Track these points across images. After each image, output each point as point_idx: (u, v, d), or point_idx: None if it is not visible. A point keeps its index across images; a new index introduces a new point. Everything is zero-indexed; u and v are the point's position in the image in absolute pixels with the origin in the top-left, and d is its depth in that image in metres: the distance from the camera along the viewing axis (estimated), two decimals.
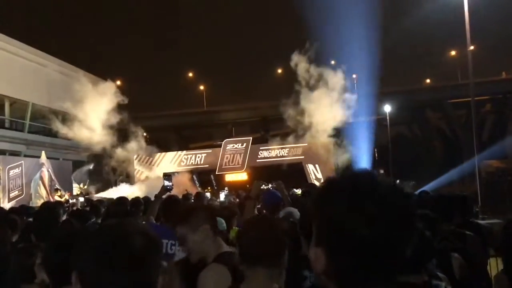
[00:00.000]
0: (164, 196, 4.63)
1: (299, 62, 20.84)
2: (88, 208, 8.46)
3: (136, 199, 7.61)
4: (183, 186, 16.18)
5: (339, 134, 21.80)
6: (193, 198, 7.62)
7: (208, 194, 14.85)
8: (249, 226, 2.17)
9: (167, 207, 4.22)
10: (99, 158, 31.23)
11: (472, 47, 17.32)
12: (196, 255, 2.38)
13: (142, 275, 1.03)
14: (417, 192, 7.14)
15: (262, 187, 6.29)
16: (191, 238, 2.37)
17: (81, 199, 15.74)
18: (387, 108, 38.19)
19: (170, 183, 5.17)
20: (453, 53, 49.80)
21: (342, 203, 0.91)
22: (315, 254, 0.95)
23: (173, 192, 6.75)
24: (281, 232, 2.06)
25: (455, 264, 2.99)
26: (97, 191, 22.27)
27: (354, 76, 51.71)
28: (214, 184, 29.51)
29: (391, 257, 0.91)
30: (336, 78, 20.60)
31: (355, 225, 0.89)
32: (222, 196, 16.72)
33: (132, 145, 23.04)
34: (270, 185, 8.78)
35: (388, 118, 38.43)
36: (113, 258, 1.01)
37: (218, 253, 2.37)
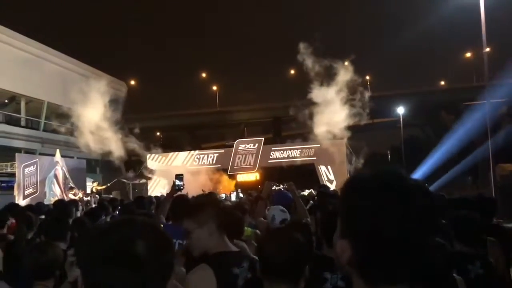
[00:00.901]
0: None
1: (312, 62, 20.75)
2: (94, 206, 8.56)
3: (148, 198, 7.69)
4: (199, 185, 16.28)
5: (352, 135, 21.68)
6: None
7: (223, 195, 14.97)
8: (269, 239, 2.13)
9: (176, 206, 4.23)
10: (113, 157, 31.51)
11: (488, 49, 17.10)
12: (198, 250, 2.37)
13: (147, 275, 0.99)
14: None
15: (273, 188, 6.28)
16: (196, 233, 2.36)
17: (97, 197, 15.87)
18: (401, 110, 37.89)
19: (181, 183, 5.17)
20: (468, 54, 49.25)
21: (374, 199, 0.93)
22: (341, 246, 0.97)
23: (190, 191, 6.79)
24: (302, 244, 2.04)
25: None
26: (109, 190, 22.46)
27: (367, 77, 51.64)
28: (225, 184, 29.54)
29: (415, 255, 0.93)
30: (349, 78, 20.49)
31: (384, 221, 0.91)
32: (233, 197, 16.76)
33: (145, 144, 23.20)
34: (281, 186, 8.77)
35: (401, 120, 38.12)
36: (115, 258, 0.98)
37: (214, 252, 2.32)
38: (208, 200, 2.61)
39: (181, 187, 5.06)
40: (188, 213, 2.45)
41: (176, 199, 4.47)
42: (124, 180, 24.75)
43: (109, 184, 21.81)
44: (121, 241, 1.00)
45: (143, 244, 1.00)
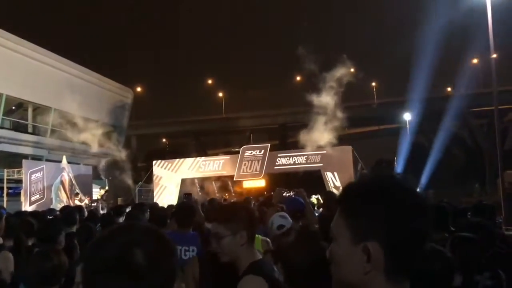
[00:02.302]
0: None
1: (317, 69, 20.74)
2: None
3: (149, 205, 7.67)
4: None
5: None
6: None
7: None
8: (294, 248, 2.12)
9: (181, 213, 4.24)
10: (119, 164, 31.65)
11: (495, 55, 17.01)
12: (227, 257, 2.31)
13: (147, 283, 0.95)
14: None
15: (284, 194, 6.23)
16: (227, 240, 2.30)
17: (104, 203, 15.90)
18: (407, 116, 37.77)
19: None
20: (475, 61, 49.07)
21: (404, 199, 1.02)
22: (373, 249, 1.01)
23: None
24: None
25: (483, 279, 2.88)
26: (115, 196, 22.51)
27: (373, 84, 51.60)
28: (232, 191, 29.53)
29: (423, 249, 1.05)
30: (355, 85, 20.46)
31: (413, 218, 1.01)
32: None
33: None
34: (291, 192, 8.73)
35: (408, 126, 37.99)
36: (113, 266, 0.93)
37: (252, 262, 2.26)
38: (245, 208, 2.56)
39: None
40: (222, 218, 2.40)
41: (181, 207, 4.45)
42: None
43: (107, 188, 21.77)
44: (119, 249, 0.96)
45: (143, 251, 0.96)
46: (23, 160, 19.72)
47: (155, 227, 1.10)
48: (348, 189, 1.09)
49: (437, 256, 2.16)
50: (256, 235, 4.36)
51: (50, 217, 6.08)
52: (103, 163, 30.49)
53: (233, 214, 2.40)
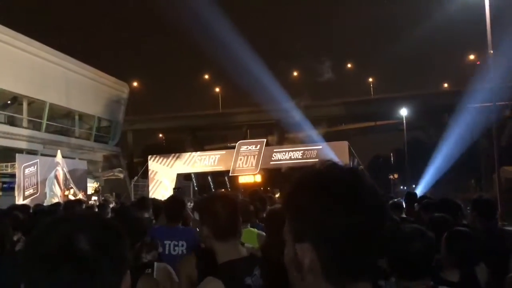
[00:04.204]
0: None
1: (314, 64, 20.68)
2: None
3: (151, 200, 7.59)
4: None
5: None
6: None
7: None
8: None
9: (170, 207, 4.17)
10: (114, 158, 31.58)
11: (491, 51, 16.95)
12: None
13: (94, 272, 0.89)
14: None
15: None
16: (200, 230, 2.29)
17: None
18: (404, 112, 37.77)
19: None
20: (472, 57, 49.13)
21: (325, 191, 0.91)
22: (302, 250, 0.92)
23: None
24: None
25: (480, 273, 2.83)
26: (111, 191, 22.43)
27: (370, 79, 51.62)
28: (228, 186, 29.51)
29: (375, 246, 0.92)
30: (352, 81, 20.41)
31: (336, 214, 0.89)
32: None
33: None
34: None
35: (404, 122, 38.00)
36: (54, 258, 0.88)
37: (223, 262, 2.12)
38: (211, 201, 2.41)
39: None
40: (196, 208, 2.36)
41: (170, 201, 4.38)
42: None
43: (101, 186, 21.70)
44: (61, 238, 0.90)
45: (85, 238, 0.90)
46: (17, 155, 19.60)
47: (96, 214, 1.04)
48: (290, 186, 0.98)
49: (416, 236, 2.12)
50: (252, 229, 4.30)
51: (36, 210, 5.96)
52: (99, 158, 30.41)
53: (200, 205, 2.33)
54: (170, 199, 4.42)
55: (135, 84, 45.15)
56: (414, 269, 2.06)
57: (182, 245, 3.95)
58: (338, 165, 0.98)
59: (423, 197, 6.84)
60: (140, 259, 2.84)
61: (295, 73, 54.47)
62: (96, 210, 7.46)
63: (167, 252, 3.84)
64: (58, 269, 0.88)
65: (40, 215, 3.55)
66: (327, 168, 0.96)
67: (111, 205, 9.28)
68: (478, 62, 48.37)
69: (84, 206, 9.05)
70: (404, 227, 2.20)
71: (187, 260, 2.81)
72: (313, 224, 0.91)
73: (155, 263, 2.86)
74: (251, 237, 4.08)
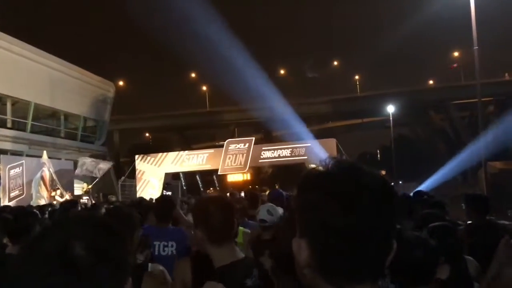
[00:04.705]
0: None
1: (301, 62, 20.73)
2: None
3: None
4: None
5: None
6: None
7: None
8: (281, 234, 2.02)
9: (160, 207, 4.13)
10: (101, 158, 31.30)
11: (476, 47, 17.12)
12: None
13: (92, 279, 0.86)
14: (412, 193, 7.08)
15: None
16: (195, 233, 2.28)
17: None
18: (390, 109, 38.06)
19: (169, 193, 5.11)
20: (456, 54, 49.68)
21: (320, 190, 0.91)
22: (299, 245, 0.93)
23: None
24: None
25: (470, 266, 2.84)
26: (99, 191, 22.20)
27: (357, 77, 51.92)
28: (217, 185, 29.44)
29: (375, 247, 0.90)
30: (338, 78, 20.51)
31: (334, 212, 0.88)
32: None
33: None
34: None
35: (391, 119, 38.29)
36: (49, 265, 0.85)
37: (220, 266, 2.08)
38: (203, 204, 2.35)
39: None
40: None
41: (160, 201, 4.34)
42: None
43: (91, 186, 21.46)
44: (58, 243, 0.86)
45: (83, 244, 0.86)
46: (1, 156, 19.29)
47: (96, 216, 1.00)
48: (297, 184, 0.99)
49: (419, 244, 2.11)
50: (239, 227, 4.33)
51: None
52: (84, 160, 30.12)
53: (194, 208, 2.30)
54: (160, 199, 4.39)
55: (121, 83, 44.79)
56: (416, 277, 2.06)
57: (172, 246, 3.91)
58: (341, 163, 0.96)
59: (418, 192, 6.89)
60: (134, 259, 2.80)
61: (282, 71, 54.58)
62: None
63: (156, 252, 3.80)
64: (52, 275, 0.84)
65: (21, 218, 3.44)
66: (328, 167, 0.96)
67: (105, 206, 9.22)
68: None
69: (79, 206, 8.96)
70: (406, 235, 2.19)
71: (182, 264, 2.78)
72: (311, 222, 0.91)
73: (149, 264, 2.83)
74: (239, 235, 4.12)
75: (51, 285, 0.84)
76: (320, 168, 0.97)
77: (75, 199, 13.23)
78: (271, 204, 4.14)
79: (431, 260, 2.11)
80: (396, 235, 0.97)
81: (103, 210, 7.40)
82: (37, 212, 4.35)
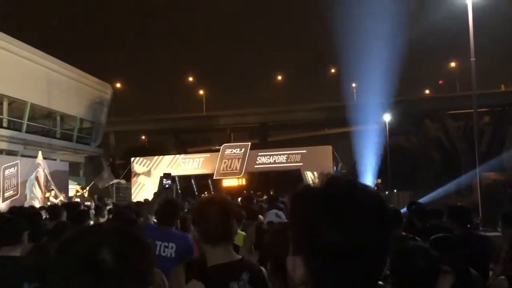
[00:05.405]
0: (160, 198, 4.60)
1: (298, 68, 20.79)
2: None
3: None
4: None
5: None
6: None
7: None
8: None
9: (163, 209, 4.19)
10: (96, 160, 31.19)
11: (473, 59, 17.25)
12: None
13: (117, 285, 0.91)
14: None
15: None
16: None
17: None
18: (386, 118, 38.18)
19: (169, 181, 5.17)
20: (452, 64, 49.96)
21: (316, 208, 0.90)
22: (293, 263, 0.93)
23: None
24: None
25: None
26: (93, 193, 22.11)
27: (353, 85, 52.10)
28: (212, 189, 29.37)
29: (369, 263, 0.89)
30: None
31: (329, 229, 0.88)
32: None
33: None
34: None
35: (387, 127, 38.41)
36: (78, 269, 0.90)
37: (210, 265, 2.11)
38: (201, 206, 2.39)
39: (169, 186, 5.05)
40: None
41: (164, 203, 4.38)
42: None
43: (87, 189, 21.38)
44: (87, 249, 0.92)
45: (111, 251, 0.91)
46: None
47: (125, 227, 1.06)
48: (290, 201, 1.00)
49: (420, 254, 2.12)
50: (238, 231, 4.41)
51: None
52: (80, 159, 30.02)
53: (194, 208, 2.36)
54: (164, 202, 4.45)
55: (118, 85, 44.71)
56: (416, 287, 2.06)
57: (172, 247, 3.96)
58: (335, 179, 0.96)
59: (413, 203, 6.91)
60: None
61: (279, 77, 54.71)
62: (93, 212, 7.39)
63: (157, 252, 3.87)
64: (78, 275, 0.89)
65: (17, 221, 3.42)
66: (322, 184, 0.95)
67: (108, 207, 9.28)
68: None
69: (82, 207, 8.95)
70: (407, 244, 2.20)
71: (178, 269, 2.83)
72: (305, 239, 0.91)
73: None
74: (239, 238, 4.23)
75: (77, 284, 0.89)
76: (315, 184, 0.96)
77: (78, 201, 13.19)
78: (279, 212, 4.36)
79: (432, 269, 2.11)
80: (395, 247, 0.97)
81: (105, 212, 7.41)
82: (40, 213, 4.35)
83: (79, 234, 0.97)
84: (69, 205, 7.68)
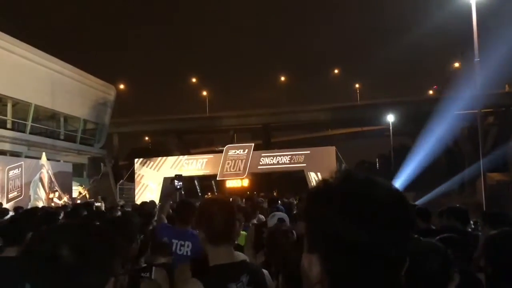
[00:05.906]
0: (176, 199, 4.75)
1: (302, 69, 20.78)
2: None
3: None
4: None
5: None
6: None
7: None
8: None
9: (181, 209, 4.30)
10: (100, 161, 31.27)
11: (477, 59, 17.19)
12: None
13: (79, 281, 1.00)
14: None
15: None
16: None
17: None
18: (390, 118, 38.11)
19: (180, 183, 5.30)
20: (456, 65, 49.86)
21: (333, 204, 0.87)
22: (310, 261, 0.90)
23: None
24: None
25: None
26: (97, 194, 22.16)
27: (357, 85, 52.04)
28: (215, 190, 29.40)
29: (389, 263, 0.87)
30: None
31: (347, 228, 0.85)
32: None
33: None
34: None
35: (391, 128, 38.34)
36: (41, 267, 1.01)
37: (212, 265, 2.13)
38: (203, 206, 2.42)
39: (180, 187, 5.21)
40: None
41: (181, 203, 4.53)
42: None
43: (88, 189, 21.43)
44: (45, 248, 1.01)
45: (69, 247, 1.01)
46: (0, 157, 19.29)
47: (88, 223, 1.16)
48: (306, 198, 0.96)
49: (433, 252, 2.07)
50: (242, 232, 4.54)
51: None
52: (84, 160, 30.10)
53: (198, 208, 2.37)
54: (180, 202, 4.60)
55: (121, 86, 44.83)
56: (430, 287, 2.02)
57: (188, 246, 4.07)
58: (352, 176, 0.92)
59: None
60: (138, 263, 2.91)
61: (282, 78, 54.70)
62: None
63: (173, 250, 3.96)
64: (42, 273, 0.99)
65: (19, 222, 3.44)
66: (339, 180, 0.92)
67: (119, 208, 9.35)
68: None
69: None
70: (420, 243, 2.16)
71: (183, 268, 2.87)
72: (322, 237, 0.88)
73: (153, 267, 2.94)
74: (241, 238, 4.45)
75: (41, 279, 0.99)
76: (331, 180, 0.93)
77: (88, 202, 13.21)
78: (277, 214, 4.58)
79: (445, 268, 2.05)
80: (410, 248, 0.94)
81: (119, 213, 7.45)
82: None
83: (44, 233, 1.06)
84: (76, 206, 7.71)
